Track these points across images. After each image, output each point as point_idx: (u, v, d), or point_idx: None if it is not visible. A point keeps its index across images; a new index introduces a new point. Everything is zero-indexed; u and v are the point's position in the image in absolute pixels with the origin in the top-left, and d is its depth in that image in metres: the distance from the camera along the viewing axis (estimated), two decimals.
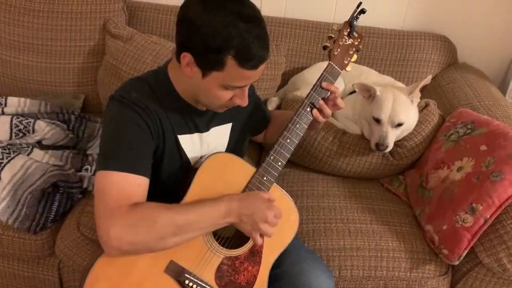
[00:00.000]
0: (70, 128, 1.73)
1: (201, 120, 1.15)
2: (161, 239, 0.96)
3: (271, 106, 1.84)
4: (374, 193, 1.59)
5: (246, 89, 1.04)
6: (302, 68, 1.99)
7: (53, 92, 1.93)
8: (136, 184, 0.99)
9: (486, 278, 1.33)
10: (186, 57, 0.98)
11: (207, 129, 1.17)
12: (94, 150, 1.71)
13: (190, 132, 1.13)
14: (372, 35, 1.99)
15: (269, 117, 1.42)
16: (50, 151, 1.60)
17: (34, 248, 1.45)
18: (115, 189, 0.96)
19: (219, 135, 1.21)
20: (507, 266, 1.25)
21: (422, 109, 1.64)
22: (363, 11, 1.17)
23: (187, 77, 1.03)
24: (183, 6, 0.97)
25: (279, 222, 1.08)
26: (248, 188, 1.09)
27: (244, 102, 1.05)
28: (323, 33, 2.00)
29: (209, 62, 0.97)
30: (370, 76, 1.84)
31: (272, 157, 1.11)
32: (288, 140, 1.12)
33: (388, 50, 2.00)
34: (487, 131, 1.45)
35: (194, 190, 1.05)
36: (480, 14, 2.03)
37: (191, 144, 1.13)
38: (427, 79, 1.52)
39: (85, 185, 1.52)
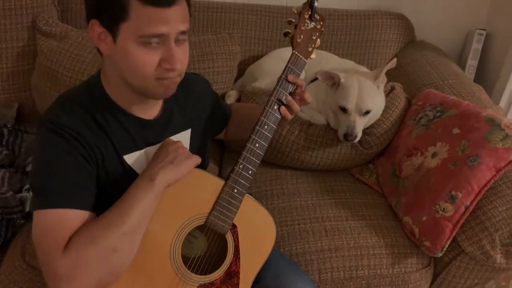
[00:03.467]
0: (4, 143, 1.52)
1: (152, 132, 1.01)
2: (113, 250, 0.84)
3: (230, 101, 1.70)
4: (346, 185, 1.52)
5: (173, 47, 0.86)
6: (259, 57, 1.87)
7: None
8: (79, 219, 0.86)
9: (469, 266, 1.28)
10: (93, 24, 0.85)
11: (161, 140, 1.02)
12: None
13: (138, 148, 0.99)
14: (327, 17, 1.90)
15: (229, 113, 1.29)
16: None
17: None
18: (53, 231, 0.83)
19: None
20: (491, 253, 1.21)
21: (388, 93, 1.57)
22: None
23: (110, 65, 0.90)
24: None
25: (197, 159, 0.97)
26: (217, 204, 0.96)
27: (174, 63, 0.86)
28: (277, 18, 1.89)
29: (112, 14, 0.82)
30: (331, 62, 1.74)
31: (241, 166, 0.99)
32: (257, 145, 1.00)
33: (346, 32, 1.92)
34: (458, 112, 1.39)
35: (156, 217, 0.91)
36: None
37: (145, 161, 0.99)
38: (392, 63, 1.44)
39: (27, 208, 1.33)
